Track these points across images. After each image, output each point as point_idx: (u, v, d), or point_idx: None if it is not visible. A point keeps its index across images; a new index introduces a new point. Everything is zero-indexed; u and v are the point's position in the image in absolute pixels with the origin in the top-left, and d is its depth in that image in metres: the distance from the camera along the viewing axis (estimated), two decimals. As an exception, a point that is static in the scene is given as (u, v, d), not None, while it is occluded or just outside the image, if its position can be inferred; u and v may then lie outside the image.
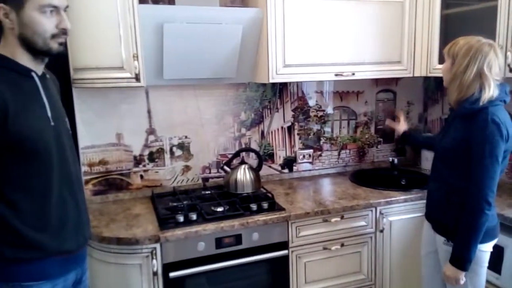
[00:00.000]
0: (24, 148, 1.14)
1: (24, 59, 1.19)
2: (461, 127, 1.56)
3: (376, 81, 2.62)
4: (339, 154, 2.61)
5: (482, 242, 1.54)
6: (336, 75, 2.15)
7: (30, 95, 1.19)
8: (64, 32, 1.20)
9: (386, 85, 2.66)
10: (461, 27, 2.14)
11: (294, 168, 2.51)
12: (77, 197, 1.30)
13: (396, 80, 2.66)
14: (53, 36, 1.18)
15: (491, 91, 1.50)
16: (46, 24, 1.16)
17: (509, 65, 1.83)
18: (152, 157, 2.18)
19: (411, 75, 2.32)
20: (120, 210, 1.97)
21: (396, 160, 2.51)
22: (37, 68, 1.23)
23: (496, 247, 1.64)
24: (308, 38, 2.06)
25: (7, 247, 1.15)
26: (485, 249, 1.58)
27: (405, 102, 2.73)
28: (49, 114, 1.22)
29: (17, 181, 1.16)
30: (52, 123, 1.23)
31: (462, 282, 1.55)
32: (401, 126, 2.16)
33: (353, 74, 2.19)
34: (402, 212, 2.13)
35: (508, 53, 1.82)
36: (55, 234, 1.22)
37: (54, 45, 1.19)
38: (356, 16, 2.13)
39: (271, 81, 2.04)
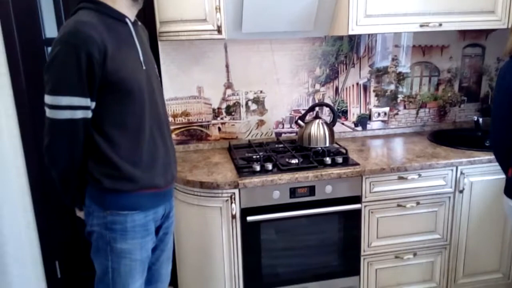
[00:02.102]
0: (120, 87, 1.23)
1: (122, 5, 1.27)
2: None
3: (464, 34, 2.42)
4: (417, 113, 2.50)
5: None
6: (421, 26, 2.02)
7: (125, 39, 1.28)
8: None
9: (474, 39, 2.45)
10: None
11: (368, 126, 2.46)
12: (165, 138, 1.40)
13: (486, 33, 2.43)
14: None
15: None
16: None
17: None
18: (229, 111, 2.27)
19: (505, 26, 2.10)
20: (201, 159, 2.11)
21: (481, 120, 2.34)
22: (132, 15, 1.32)
23: None
24: (392, -15, 1.94)
25: (106, 178, 1.27)
26: None
27: (495, 59, 2.50)
28: (141, 58, 1.31)
29: (115, 118, 1.26)
30: (144, 67, 1.31)
31: None
32: None
33: (440, 25, 2.03)
34: (485, 173, 2.02)
35: None
36: (147, 170, 1.32)
37: None
38: (446, -41, 1.96)
39: (350, 33, 1.97)
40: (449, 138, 2.29)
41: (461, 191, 2.02)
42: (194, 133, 2.25)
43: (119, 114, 1.26)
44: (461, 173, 2.01)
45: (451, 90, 2.51)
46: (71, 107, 1.19)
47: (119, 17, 1.27)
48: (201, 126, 2.25)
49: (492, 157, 1.96)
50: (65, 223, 2.24)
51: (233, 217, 1.83)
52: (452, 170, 2.00)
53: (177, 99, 2.19)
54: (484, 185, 2.03)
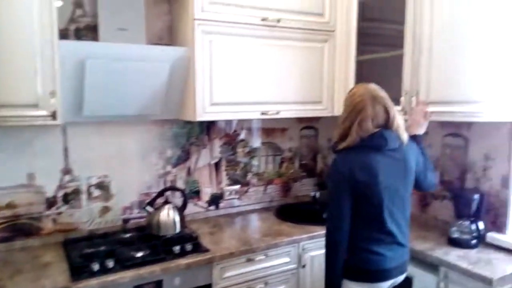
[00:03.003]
0: None
1: None
2: None
3: (300, 119, 2.75)
4: (265, 189, 2.67)
5: (351, 278, 1.64)
6: (262, 113, 2.22)
7: None
8: None
9: (309, 122, 2.80)
10: (373, 71, 2.35)
11: (221, 204, 2.51)
12: None
13: (318, 118, 2.81)
14: None
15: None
16: None
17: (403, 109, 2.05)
18: (67, 199, 2.04)
19: (331, 114, 2.47)
20: (28, 259, 1.80)
21: (318, 194, 2.63)
22: None
23: (405, 277, 1.76)
24: (235, 78, 2.11)
25: None
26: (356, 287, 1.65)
27: (326, 139, 2.89)
28: None
29: None
30: None
31: None
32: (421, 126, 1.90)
33: (278, 112, 2.28)
34: (323, 247, 2.20)
35: (413, 98, 2.03)
36: None
37: None
38: (280, 58, 2.24)
39: (198, 119, 2.05)
40: (292, 213, 2.48)
41: (303, 266, 2.17)
42: (21, 228, 1.94)
43: None
44: (303, 248, 2.17)
45: (292, 167, 2.77)
46: None
47: None
48: (31, 218, 1.95)
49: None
50: None
51: (62, 332, 1.57)
52: (294, 246, 2.14)
53: (1, 189, 1.88)
54: (323, 258, 2.21)
